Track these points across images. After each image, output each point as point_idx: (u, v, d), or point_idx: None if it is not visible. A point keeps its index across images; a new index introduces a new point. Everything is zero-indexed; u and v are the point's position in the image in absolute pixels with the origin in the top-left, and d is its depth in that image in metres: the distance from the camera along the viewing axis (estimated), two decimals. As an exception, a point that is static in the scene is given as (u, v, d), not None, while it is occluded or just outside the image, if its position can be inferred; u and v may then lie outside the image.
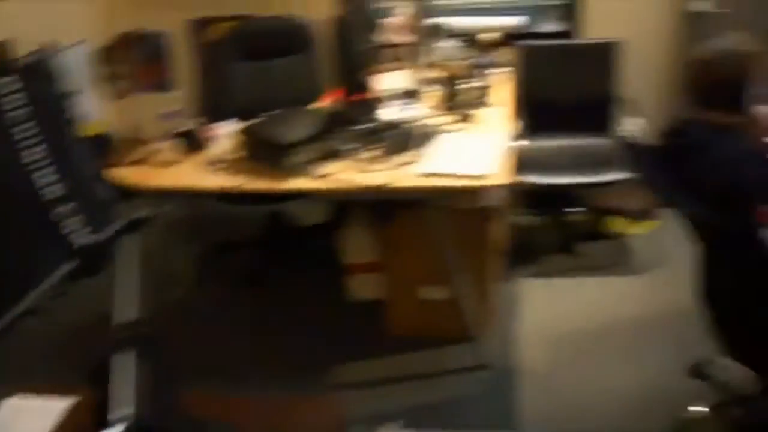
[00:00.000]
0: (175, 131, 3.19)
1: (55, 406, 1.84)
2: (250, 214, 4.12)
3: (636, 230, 4.52)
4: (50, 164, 3.97)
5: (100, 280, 4.04)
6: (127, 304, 1.52)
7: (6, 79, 3.83)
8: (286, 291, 4.18)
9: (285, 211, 4.49)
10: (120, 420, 1.28)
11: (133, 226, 4.37)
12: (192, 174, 3.03)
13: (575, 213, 4.66)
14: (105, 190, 4.39)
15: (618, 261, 4.31)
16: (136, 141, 3.31)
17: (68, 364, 3.38)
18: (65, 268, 4.00)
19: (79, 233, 4.07)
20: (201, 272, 4.10)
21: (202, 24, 4.71)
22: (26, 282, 3.82)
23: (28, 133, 3.94)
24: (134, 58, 3.34)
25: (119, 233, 4.34)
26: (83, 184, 4.18)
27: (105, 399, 1.73)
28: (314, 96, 4.35)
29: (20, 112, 3.88)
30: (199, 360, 3.43)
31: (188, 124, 3.26)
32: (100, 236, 4.14)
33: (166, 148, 3.14)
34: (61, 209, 4.04)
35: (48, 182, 3.98)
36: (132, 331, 1.43)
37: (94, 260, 4.09)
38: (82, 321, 3.76)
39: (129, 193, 4.58)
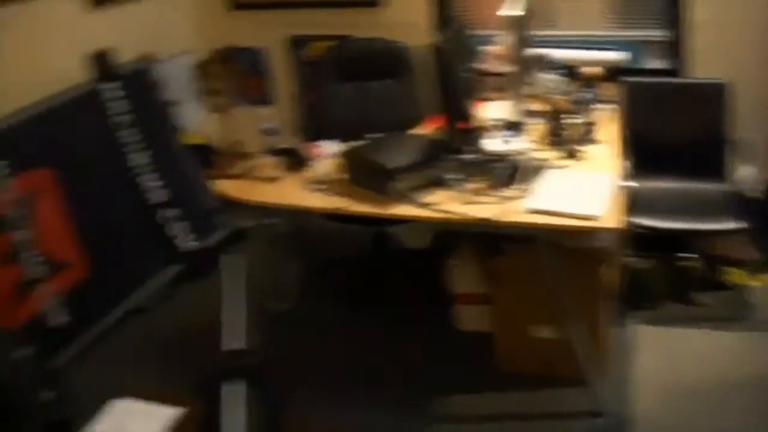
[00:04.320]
0: (277, 147, 3.15)
1: (163, 413, 1.80)
2: (354, 232, 4.07)
3: (755, 283, 4.30)
4: (155, 170, 3.99)
5: (205, 284, 4.07)
6: (236, 329, 1.45)
7: (110, 85, 3.86)
8: (389, 313, 4.09)
9: (389, 233, 4.42)
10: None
11: (238, 235, 4.37)
12: (294, 192, 2.98)
13: (688, 259, 4.47)
14: (209, 199, 4.41)
15: (736, 314, 4.09)
16: (236, 154, 3.28)
17: (172, 368, 3.37)
18: (171, 271, 4.01)
19: (184, 238, 4.08)
20: (304, 287, 4.04)
21: (301, 42, 4.70)
22: (132, 281, 3.83)
23: (132, 138, 3.97)
24: (233, 73, 3.32)
25: (223, 241, 4.34)
26: (188, 190, 4.20)
27: (210, 414, 1.67)
28: (413, 121, 4.29)
29: (125, 117, 3.91)
30: (300, 380, 3.34)
31: (290, 141, 3.21)
32: (205, 242, 4.15)
33: (268, 164, 3.09)
34: (166, 213, 4.05)
35: (153, 186, 4.00)
36: (242, 361, 1.36)
37: (199, 265, 4.09)
38: (186, 325, 3.77)
39: (232, 204, 4.59)
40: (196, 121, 4.69)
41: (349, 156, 3.20)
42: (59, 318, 3.51)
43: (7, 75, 3.44)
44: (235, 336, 1.40)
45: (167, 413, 1.83)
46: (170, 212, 4.07)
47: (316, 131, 3.55)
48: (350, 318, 4.06)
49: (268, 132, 3.22)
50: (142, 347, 3.61)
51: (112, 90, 3.86)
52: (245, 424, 1.22)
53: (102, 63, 3.81)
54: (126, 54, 3.93)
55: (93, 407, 3.23)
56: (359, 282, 4.35)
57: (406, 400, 3.37)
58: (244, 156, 3.26)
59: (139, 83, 4.07)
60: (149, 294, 3.95)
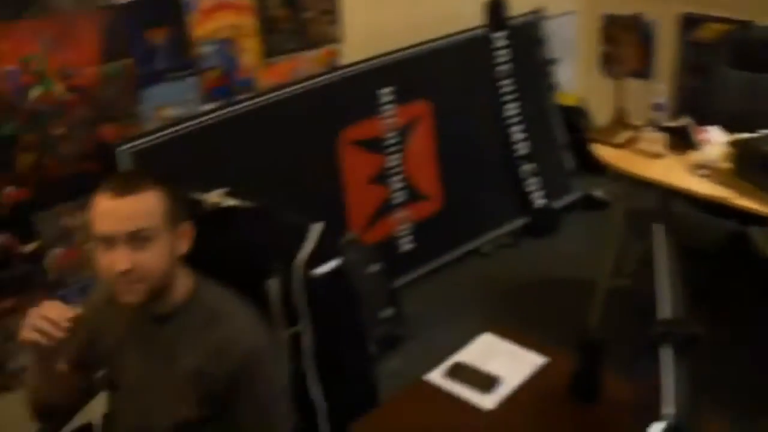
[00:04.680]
0: (664, 124, 3.01)
1: (529, 358, 1.80)
2: (709, 224, 3.81)
3: None
4: (521, 122, 4.05)
5: (544, 242, 4.09)
6: (668, 298, 1.37)
7: (499, 34, 3.94)
8: (734, 317, 3.81)
9: (748, 234, 4.10)
10: (663, 417, 1.14)
11: (588, 202, 4.33)
12: (676, 172, 2.83)
13: None
14: (567, 161, 4.40)
15: None
16: (621, 123, 3.19)
17: (504, 315, 3.41)
18: (517, 223, 4.09)
19: (536, 194, 4.12)
20: (645, 268, 3.88)
21: (694, 21, 4.44)
22: (480, 225, 3.96)
23: (508, 89, 4.05)
24: (632, 41, 3.21)
25: (572, 205, 4.33)
26: (548, 148, 4.21)
27: (582, 372, 1.62)
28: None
29: (506, 67, 3.99)
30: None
31: (679, 120, 3.06)
32: (554, 202, 4.17)
33: (653, 139, 2.97)
34: (526, 167, 4.11)
35: (519, 139, 4.07)
36: (673, 327, 1.28)
37: (545, 223, 4.12)
38: (521, 277, 3.80)
39: (592, 170, 4.53)
40: (572, 81, 4.64)
41: (740, 146, 2.97)
42: (407, 244, 3.70)
43: (422, 12, 3.65)
44: (667, 305, 1.35)
45: (533, 359, 1.82)
46: (529, 166, 4.11)
47: (699, 116, 3.35)
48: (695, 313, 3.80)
49: (657, 107, 3.08)
50: (474, 288, 3.69)
51: (500, 39, 3.93)
52: (674, 393, 1.18)
53: (495, 12, 3.89)
54: (518, 6, 3.98)
55: (420, 332, 3.37)
56: (707, 277, 4.06)
57: (737, 410, 3.11)
58: (628, 126, 3.16)
59: (525, 36, 4.10)
60: (492, 240, 4.04)
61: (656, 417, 1.21)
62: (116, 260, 1.46)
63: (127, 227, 1.46)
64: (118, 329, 1.61)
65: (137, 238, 1.47)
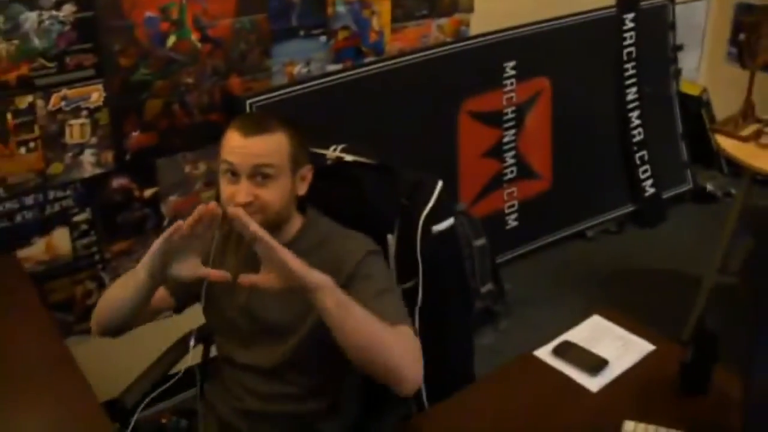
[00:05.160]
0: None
1: (637, 344, 1.77)
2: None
3: None
4: (640, 107, 3.95)
5: (649, 232, 4.01)
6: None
7: (628, 16, 3.84)
8: None
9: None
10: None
11: (698, 195, 4.21)
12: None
13: None
14: (682, 151, 4.28)
15: None
16: (745, 116, 3.08)
17: (602, 299, 3.37)
18: (625, 210, 4.01)
19: (647, 182, 4.03)
20: (752, 266, 3.75)
21: None
22: (588, 209, 3.90)
23: (630, 73, 3.95)
24: (764, 33, 3.07)
25: (681, 197, 4.21)
26: (663, 137, 4.09)
27: (702, 363, 1.59)
28: None
29: (630, 50, 3.89)
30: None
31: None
32: (664, 192, 4.06)
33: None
34: (640, 154, 4.03)
35: (635, 125, 3.98)
36: None
37: (654, 213, 4.02)
38: (624, 264, 3.75)
39: (706, 163, 4.40)
40: (696, 70, 4.51)
41: None
42: (513, 221, 3.68)
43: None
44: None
45: (642, 345, 1.80)
46: (642, 153, 4.02)
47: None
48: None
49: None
50: (576, 272, 3.65)
51: (628, 21, 3.84)
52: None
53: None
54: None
55: (517, 311, 3.36)
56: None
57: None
58: (755, 120, 3.06)
59: (654, 20, 3.99)
60: (598, 225, 3.98)
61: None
62: (238, 192, 1.54)
63: (254, 161, 1.55)
64: (230, 263, 1.67)
65: (261, 174, 1.56)
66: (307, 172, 1.69)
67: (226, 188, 1.59)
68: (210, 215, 1.42)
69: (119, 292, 1.64)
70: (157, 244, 1.45)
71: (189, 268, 1.48)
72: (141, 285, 1.54)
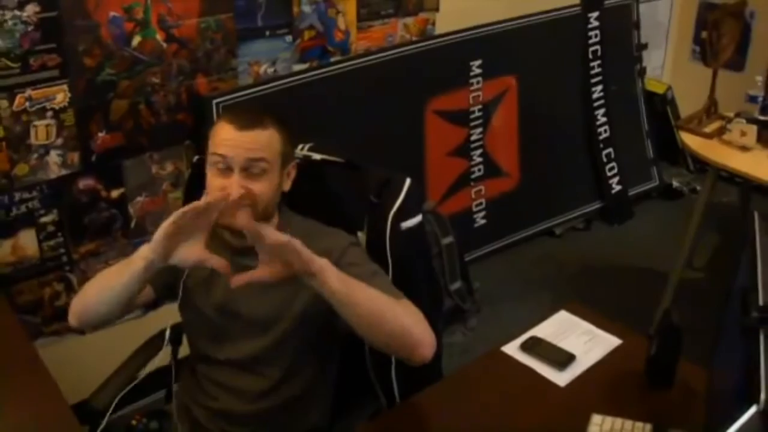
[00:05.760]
0: (755, 117, 2.95)
1: (604, 338, 1.80)
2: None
3: None
4: (603, 105, 3.99)
5: (615, 229, 4.06)
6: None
7: (593, 15, 3.87)
8: None
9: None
10: (759, 402, 1.15)
11: (664, 192, 4.26)
12: (765, 167, 2.79)
13: None
14: (648, 148, 4.33)
15: None
16: (708, 113, 3.13)
17: (569, 295, 3.40)
18: (592, 207, 4.05)
19: (613, 179, 4.08)
20: (716, 260, 3.82)
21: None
22: (555, 206, 3.93)
23: (595, 71, 3.99)
24: (731, 31, 3.12)
25: (648, 193, 4.27)
26: (627, 134, 4.14)
27: (654, 356, 1.62)
28: None
29: (594, 49, 3.93)
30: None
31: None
32: (630, 189, 4.11)
33: (743, 131, 2.92)
34: (606, 151, 4.06)
35: (601, 122, 4.02)
36: None
37: (621, 209, 4.08)
38: (592, 260, 3.79)
39: (671, 160, 4.44)
40: (661, 68, 4.57)
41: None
42: (480, 219, 3.70)
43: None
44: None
45: (608, 340, 1.83)
46: (608, 151, 4.06)
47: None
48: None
49: (751, 99, 3.02)
50: (544, 269, 3.69)
51: (593, 19, 3.88)
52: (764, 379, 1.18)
53: (591, -9, 3.82)
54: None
55: (486, 308, 3.37)
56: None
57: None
58: (718, 117, 3.11)
59: (618, 19, 4.03)
60: (565, 222, 4.01)
61: (732, 407, 1.22)
62: (230, 185, 1.57)
63: (247, 155, 1.57)
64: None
65: (253, 168, 1.58)
66: (292, 168, 1.73)
67: (214, 181, 1.61)
68: (219, 203, 1.47)
69: (110, 281, 1.63)
70: (163, 228, 1.46)
71: (194, 252, 1.49)
72: (137, 273, 1.53)
